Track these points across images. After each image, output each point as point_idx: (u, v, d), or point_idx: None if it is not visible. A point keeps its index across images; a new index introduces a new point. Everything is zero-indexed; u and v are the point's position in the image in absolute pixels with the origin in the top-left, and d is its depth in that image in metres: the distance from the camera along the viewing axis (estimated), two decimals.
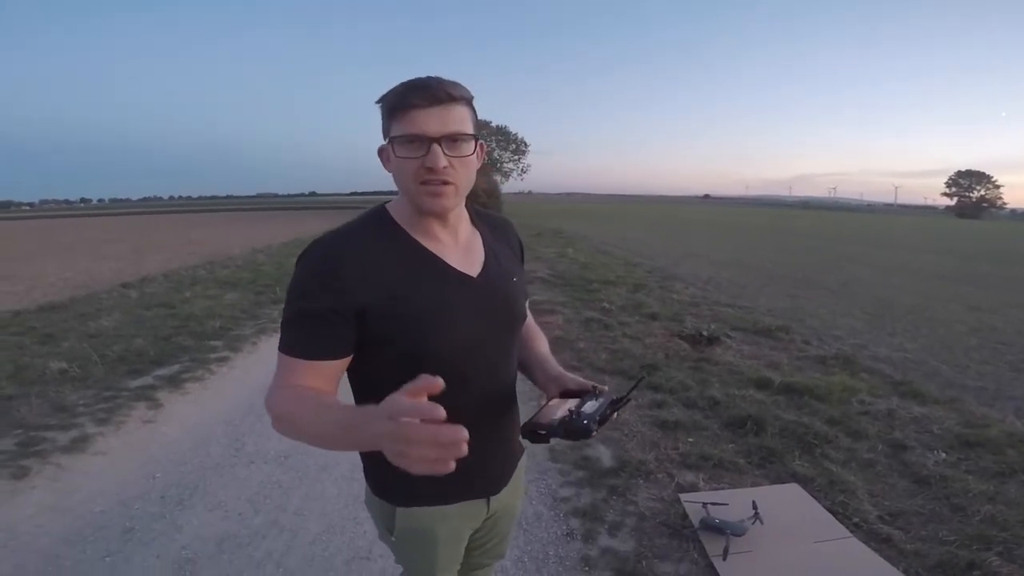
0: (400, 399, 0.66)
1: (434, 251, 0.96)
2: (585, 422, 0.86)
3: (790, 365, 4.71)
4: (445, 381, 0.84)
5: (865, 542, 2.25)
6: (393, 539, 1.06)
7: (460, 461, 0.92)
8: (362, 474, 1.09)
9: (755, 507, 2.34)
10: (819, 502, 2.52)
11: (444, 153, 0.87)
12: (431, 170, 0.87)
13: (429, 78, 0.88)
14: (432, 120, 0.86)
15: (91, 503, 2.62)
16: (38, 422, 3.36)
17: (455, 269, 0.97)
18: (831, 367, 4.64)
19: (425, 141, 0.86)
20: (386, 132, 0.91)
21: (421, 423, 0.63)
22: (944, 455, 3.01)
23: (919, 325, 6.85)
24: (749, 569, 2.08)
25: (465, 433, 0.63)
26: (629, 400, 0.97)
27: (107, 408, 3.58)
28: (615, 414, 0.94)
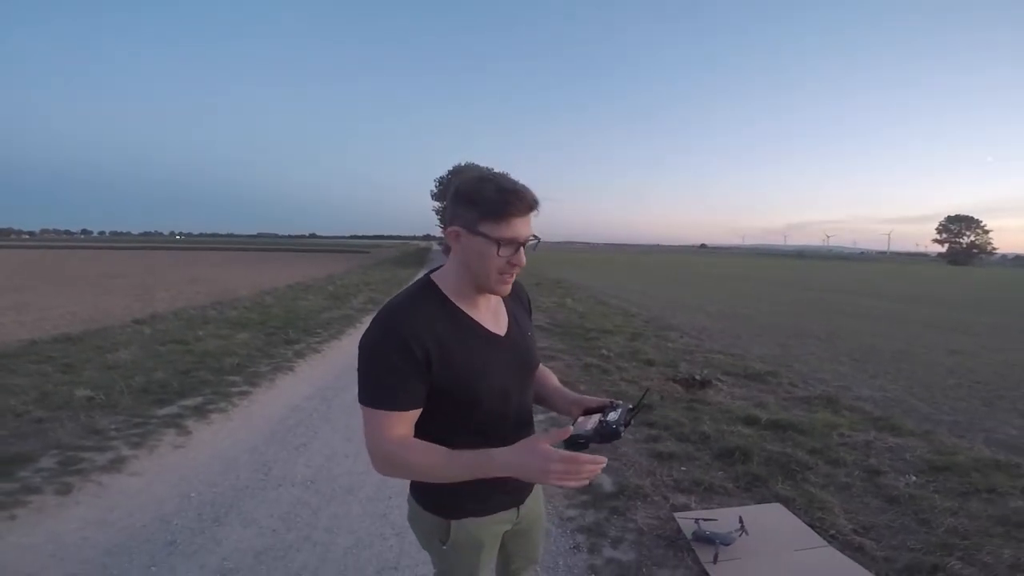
0: (553, 450, 1.00)
1: (474, 316, 1.17)
2: (615, 427, 1.07)
3: (777, 405, 5.00)
4: (486, 419, 1.16)
5: (840, 551, 2.51)
6: (445, 548, 1.24)
7: (501, 477, 1.17)
8: (387, 497, 1.32)
9: (741, 521, 2.61)
10: (799, 518, 2.79)
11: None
12: (513, 265, 1.10)
13: (521, 187, 1.08)
14: (524, 227, 1.08)
15: (132, 518, 2.84)
16: (73, 443, 3.58)
17: (489, 331, 1.19)
18: (815, 406, 4.94)
19: (516, 244, 1.08)
20: (471, 222, 1.07)
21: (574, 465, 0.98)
22: (915, 478, 3.31)
23: (900, 368, 7.20)
24: (737, 572, 2.34)
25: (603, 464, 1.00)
26: (643, 406, 1.22)
27: (139, 433, 3.81)
28: (632, 420, 1.15)
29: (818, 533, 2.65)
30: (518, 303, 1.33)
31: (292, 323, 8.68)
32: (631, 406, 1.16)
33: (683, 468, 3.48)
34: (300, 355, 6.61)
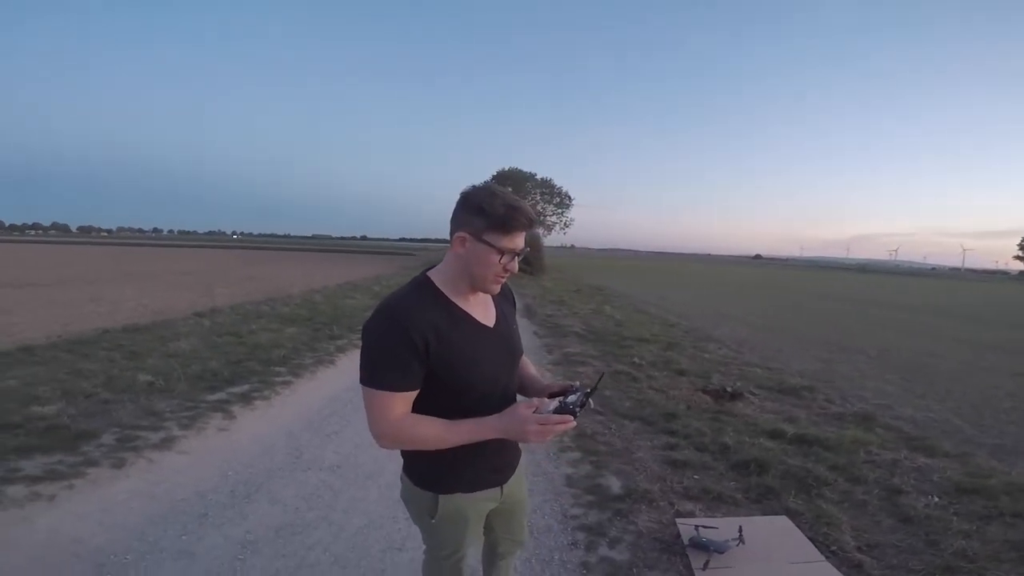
0: (531, 414, 1.21)
1: (466, 309, 1.30)
2: (572, 407, 1.23)
3: (807, 420, 4.90)
4: (476, 403, 1.29)
5: (838, 567, 2.50)
6: (433, 521, 1.36)
7: (485, 457, 1.35)
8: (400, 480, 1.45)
9: (740, 531, 2.64)
10: (803, 532, 2.78)
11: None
12: (508, 271, 1.27)
13: (524, 204, 1.23)
14: (522, 240, 1.26)
15: (174, 492, 3.13)
16: (132, 422, 3.97)
17: (480, 322, 1.33)
18: (848, 423, 4.81)
19: (514, 254, 1.25)
20: (478, 229, 1.21)
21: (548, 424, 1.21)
22: (937, 499, 3.21)
23: (952, 389, 6.85)
24: None
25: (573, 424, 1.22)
26: (596, 389, 1.32)
27: (190, 416, 4.18)
28: (588, 402, 1.27)
29: (820, 548, 2.63)
30: (504, 297, 1.47)
31: (338, 319, 9.10)
32: (588, 390, 1.30)
33: (696, 476, 3.51)
34: (342, 350, 6.96)
